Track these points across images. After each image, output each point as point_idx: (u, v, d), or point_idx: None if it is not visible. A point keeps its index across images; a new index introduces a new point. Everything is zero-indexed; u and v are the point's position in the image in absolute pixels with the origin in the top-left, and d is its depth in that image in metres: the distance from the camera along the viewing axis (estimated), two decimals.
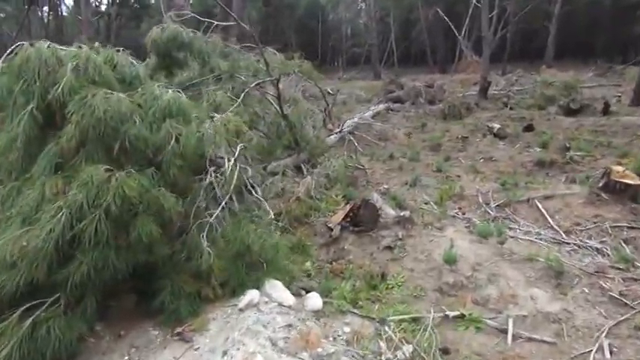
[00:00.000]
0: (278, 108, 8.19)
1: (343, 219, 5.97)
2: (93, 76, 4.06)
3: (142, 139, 3.98)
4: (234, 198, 5.62)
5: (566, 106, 15.50)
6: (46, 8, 34.25)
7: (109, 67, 4.40)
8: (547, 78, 20.14)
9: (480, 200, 7.72)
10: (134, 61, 4.77)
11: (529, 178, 9.06)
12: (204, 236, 4.35)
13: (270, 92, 8.31)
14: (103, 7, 36.30)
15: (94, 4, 34.59)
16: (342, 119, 14.23)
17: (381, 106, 17.90)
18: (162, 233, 4.01)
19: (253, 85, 7.42)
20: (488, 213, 7.25)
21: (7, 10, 34.25)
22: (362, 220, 5.94)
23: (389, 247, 5.67)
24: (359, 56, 37.92)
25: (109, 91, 3.94)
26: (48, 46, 4.12)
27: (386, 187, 7.99)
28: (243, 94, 7.24)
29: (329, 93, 23.70)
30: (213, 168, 4.88)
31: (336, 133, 11.65)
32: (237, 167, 5.30)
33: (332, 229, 5.92)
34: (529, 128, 12.96)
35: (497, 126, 13.08)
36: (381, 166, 9.76)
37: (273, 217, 6.09)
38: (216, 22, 7.53)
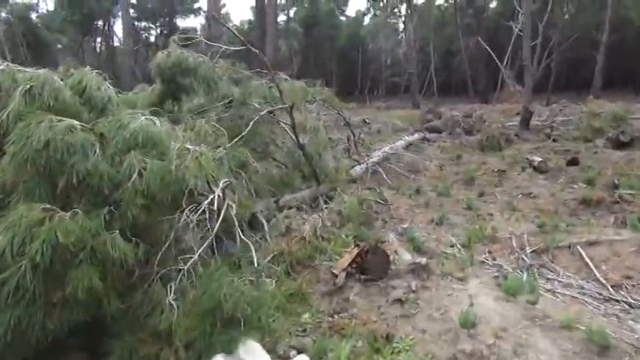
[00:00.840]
0: (293, 137, 7.53)
1: (349, 265, 5.15)
2: (48, 101, 3.48)
3: (97, 173, 3.35)
4: (224, 238, 4.95)
5: (615, 138, 14.16)
6: (99, 39, 35.43)
7: (75, 92, 3.84)
8: (594, 108, 18.72)
9: (514, 244, 6.75)
10: (109, 86, 4.19)
11: (572, 218, 7.99)
12: (172, 288, 3.65)
13: (287, 121, 7.68)
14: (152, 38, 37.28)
15: (144, 35, 35.67)
16: (371, 149, 13.50)
17: (416, 136, 17.05)
18: (119, 284, 3.35)
19: (263, 112, 6.80)
20: (523, 260, 6.27)
21: (64, 40, 35.65)
22: (370, 267, 5.11)
23: (399, 301, 4.81)
24: (398, 86, 37.26)
25: (60, 118, 3.34)
26: (3, 69, 3.61)
27: (405, 226, 7.10)
28: (252, 123, 6.63)
29: (364, 122, 23.19)
30: (191, 206, 4.20)
31: (363, 164, 10.89)
32: (226, 204, 4.62)
33: (336, 276, 5.12)
34: (573, 162, 11.78)
35: (538, 159, 11.98)
36: (407, 201, 8.89)
37: (269, 258, 5.39)
38: (224, 47, 7.01)
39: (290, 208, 7.50)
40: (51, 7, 36.10)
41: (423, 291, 4.98)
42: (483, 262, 6.27)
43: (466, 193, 9.88)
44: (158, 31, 36.35)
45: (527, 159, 12.29)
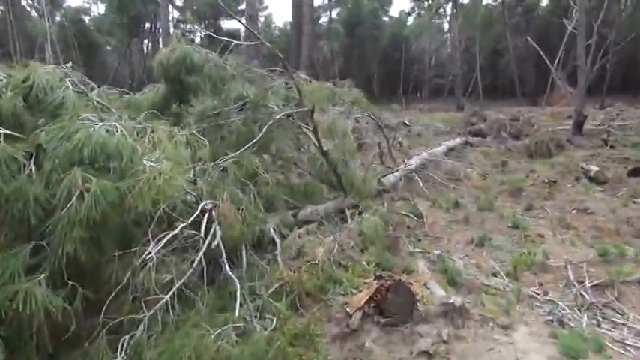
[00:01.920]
0: (316, 142, 6.58)
1: (366, 302, 4.15)
2: None
3: (23, 197, 2.50)
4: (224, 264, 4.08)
5: None
6: (146, 41, 35.63)
7: (19, 92, 3.01)
8: None
9: (570, 275, 5.56)
10: (71, 84, 3.36)
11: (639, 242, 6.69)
12: (124, 345, 2.77)
13: (308, 125, 6.74)
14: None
15: (189, 37, 35.59)
16: (409, 154, 12.36)
17: (458, 141, 15.69)
18: (50, 342, 2.49)
19: (280, 115, 5.87)
20: (581, 296, 5.09)
21: (113, 43, 36.07)
22: (391, 307, 4.08)
23: (426, 354, 3.77)
24: (442, 87, 35.58)
25: None
26: None
27: (438, 252, 5.97)
28: (266, 127, 5.73)
29: (404, 124, 21.92)
30: (165, 234, 3.31)
31: (398, 172, 9.81)
32: (214, 228, 3.72)
33: (350, 316, 4.13)
34: (636, 172, 10.26)
35: (594, 168, 10.53)
36: (444, 215, 7.75)
37: (272, 289, 4.47)
38: (235, 42, 6.11)
39: (310, 222, 6.56)
40: (102, 11, 36.69)
41: (457, 342, 3.91)
42: (533, 296, 5.13)
43: (512, 206, 8.64)
44: (203, 33, 36.23)
45: (582, 168, 10.86)
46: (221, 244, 3.77)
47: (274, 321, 4.09)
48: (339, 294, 4.58)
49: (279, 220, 6.09)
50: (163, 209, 3.18)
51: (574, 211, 8.27)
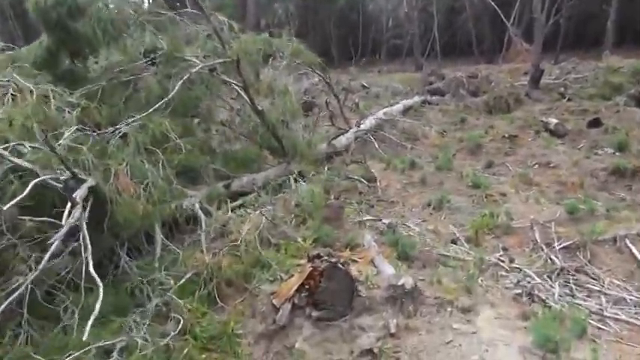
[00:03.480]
0: (248, 101, 5.54)
1: (297, 291, 3.23)
2: None
3: None
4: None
5: (638, 95, 11.97)
6: None
7: None
8: (612, 64, 16.29)
9: (537, 237, 4.81)
10: None
11: (605, 195, 6.03)
12: None
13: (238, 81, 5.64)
14: None
15: None
16: (364, 115, 11.37)
17: (416, 99, 14.77)
18: None
19: (196, 69, 4.76)
20: (551, 261, 4.35)
21: None
22: (326, 297, 3.18)
23: (370, 353, 2.91)
24: (401, 48, 34.33)
25: None
26: None
27: (388, 221, 5.07)
28: (179, 83, 4.64)
29: (362, 86, 20.87)
30: None
31: (351, 133, 8.87)
32: (78, 211, 2.71)
33: (277, 310, 3.21)
34: (595, 123, 9.61)
35: (554, 121, 9.84)
36: (399, 177, 6.87)
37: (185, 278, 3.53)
38: None
39: (247, 194, 5.58)
40: None
41: (408, 334, 3.05)
42: (497, 264, 4.37)
43: (471, 164, 7.87)
44: None
45: (542, 121, 10.14)
46: (84, 226, 2.75)
47: (181, 322, 3.15)
48: (267, 281, 3.64)
49: (207, 193, 5.07)
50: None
51: (536, 166, 7.57)
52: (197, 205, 4.72)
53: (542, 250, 4.61)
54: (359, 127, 9.16)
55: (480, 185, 6.17)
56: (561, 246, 4.60)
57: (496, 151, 8.44)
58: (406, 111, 12.71)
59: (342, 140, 8.36)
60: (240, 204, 5.24)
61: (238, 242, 3.86)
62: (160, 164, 4.14)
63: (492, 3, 26.33)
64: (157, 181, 3.95)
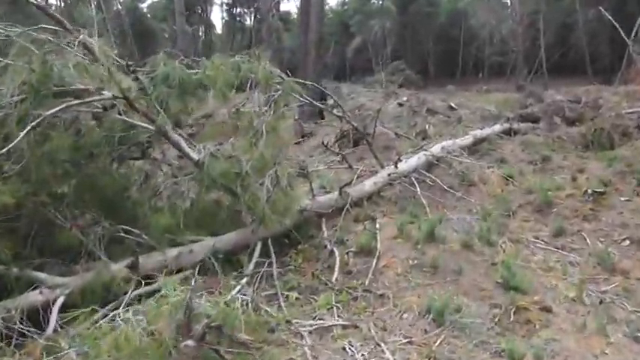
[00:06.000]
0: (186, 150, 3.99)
1: None
2: None
3: None
4: None
5: None
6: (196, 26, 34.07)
7: None
8: None
9: None
10: None
11: None
12: None
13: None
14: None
15: (239, 21, 33.67)
16: (418, 147, 9.22)
17: (496, 128, 12.12)
18: None
19: (50, 112, 3.27)
20: None
21: (165, 29, 34.67)
22: None
23: None
24: (505, 66, 30.78)
25: None
26: None
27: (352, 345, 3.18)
28: (28, 128, 3.22)
29: (450, 108, 18.35)
30: None
31: (381, 174, 7.00)
32: None
33: None
34: None
35: None
36: (408, 253, 4.76)
37: None
38: None
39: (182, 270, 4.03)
40: None
41: None
42: None
43: (533, 229, 5.60)
44: (252, 16, 33.91)
45: None
46: None
47: None
48: None
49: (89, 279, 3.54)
50: None
51: (625, 242, 5.11)
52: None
53: None
54: (396, 167, 7.19)
55: (514, 286, 3.93)
56: None
57: (571, 213, 5.97)
58: (477, 143, 10.28)
59: (365, 186, 6.51)
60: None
61: None
62: None
63: (610, 17, 22.25)
64: None
